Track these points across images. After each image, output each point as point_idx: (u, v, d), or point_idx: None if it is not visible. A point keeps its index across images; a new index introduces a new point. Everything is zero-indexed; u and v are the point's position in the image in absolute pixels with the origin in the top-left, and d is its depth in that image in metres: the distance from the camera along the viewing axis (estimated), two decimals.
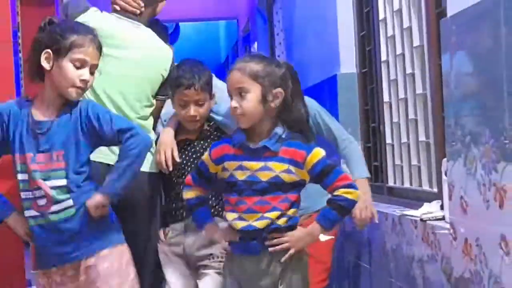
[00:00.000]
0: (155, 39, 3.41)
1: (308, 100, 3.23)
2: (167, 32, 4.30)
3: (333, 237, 3.46)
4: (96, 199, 2.72)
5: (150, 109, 3.34)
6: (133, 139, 2.73)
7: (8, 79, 3.67)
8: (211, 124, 3.23)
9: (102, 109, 2.86)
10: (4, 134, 2.77)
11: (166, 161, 3.14)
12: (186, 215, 3.11)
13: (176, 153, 3.16)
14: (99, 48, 2.81)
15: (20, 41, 3.99)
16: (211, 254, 3.10)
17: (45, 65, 2.74)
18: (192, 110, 3.11)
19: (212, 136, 3.22)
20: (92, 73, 2.78)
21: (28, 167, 2.72)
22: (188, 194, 2.83)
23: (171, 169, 3.16)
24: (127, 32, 3.30)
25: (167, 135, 3.21)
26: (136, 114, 3.24)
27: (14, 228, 2.85)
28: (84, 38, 2.76)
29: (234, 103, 2.65)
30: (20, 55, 3.94)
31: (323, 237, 3.29)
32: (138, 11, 3.35)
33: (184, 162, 3.19)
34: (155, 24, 4.03)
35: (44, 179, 2.73)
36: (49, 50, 2.73)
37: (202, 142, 3.19)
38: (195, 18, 10.63)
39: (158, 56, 3.35)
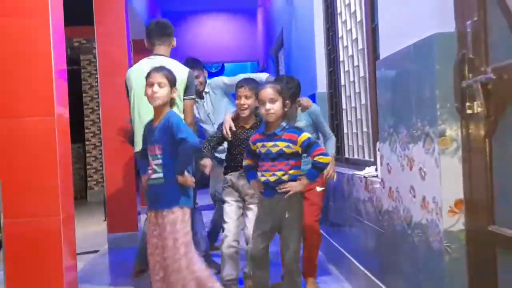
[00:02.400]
0: (170, 64, 3.24)
1: (315, 106, 3.44)
2: (197, 63, 4.24)
3: (324, 188, 3.40)
4: (180, 178, 2.72)
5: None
6: (184, 145, 2.66)
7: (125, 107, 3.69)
8: (257, 119, 3.25)
9: (177, 120, 2.76)
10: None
11: (227, 132, 3.22)
12: (240, 169, 3.13)
13: (232, 128, 3.22)
14: (161, 72, 2.79)
15: None
16: (253, 193, 3.08)
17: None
18: (243, 100, 3.15)
19: (258, 128, 3.20)
20: (159, 86, 2.75)
21: (151, 153, 2.77)
22: (245, 162, 2.87)
23: (230, 135, 3.21)
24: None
25: (227, 118, 3.28)
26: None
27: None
28: (151, 71, 2.81)
29: (268, 106, 2.67)
30: None
31: (319, 188, 3.31)
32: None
33: (240, 140, 3.21)
34: (189, 60, 4.10)
35: (152, 159, 2.76)
36: None
37: (252, 130, 3.18)
38: (233, 60, 10.68)
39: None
